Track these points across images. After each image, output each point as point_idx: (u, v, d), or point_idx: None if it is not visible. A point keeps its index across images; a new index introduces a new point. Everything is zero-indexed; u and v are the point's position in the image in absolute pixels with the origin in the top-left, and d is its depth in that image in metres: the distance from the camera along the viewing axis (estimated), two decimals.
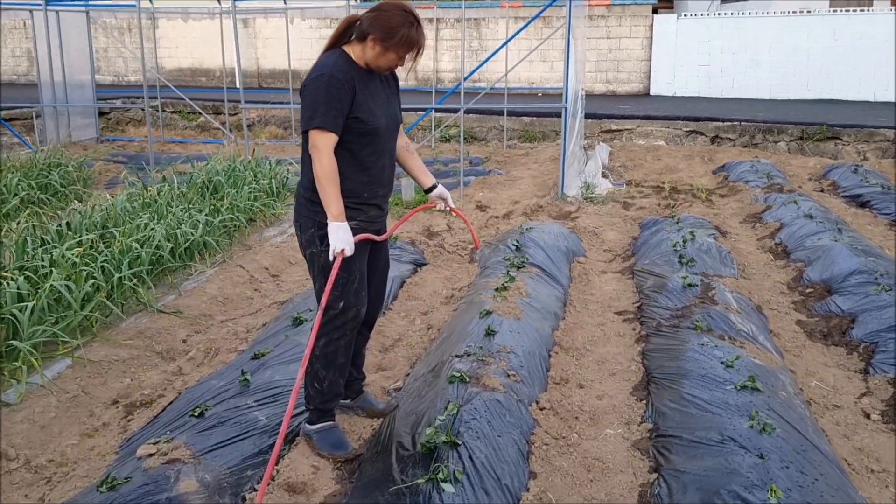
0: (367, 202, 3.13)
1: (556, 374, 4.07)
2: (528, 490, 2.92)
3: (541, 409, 3.60)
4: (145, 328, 4.67)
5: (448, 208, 3.50)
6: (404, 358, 4.42)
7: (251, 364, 3.98)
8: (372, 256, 3.35)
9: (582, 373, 4.21)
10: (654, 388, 3.85)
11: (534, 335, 4.35)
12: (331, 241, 2.92)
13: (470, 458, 2.92)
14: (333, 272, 2.89)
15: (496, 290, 4.91)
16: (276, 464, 3.20)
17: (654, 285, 5.40)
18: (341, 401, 3.64)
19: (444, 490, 2.69)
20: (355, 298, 3.14)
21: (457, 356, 3.91)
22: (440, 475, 2.75)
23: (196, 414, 3.40)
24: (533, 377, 3.87)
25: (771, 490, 2.67)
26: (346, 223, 2.95)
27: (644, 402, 3.80)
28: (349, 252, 2.94)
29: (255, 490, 3.01)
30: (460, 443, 2.98)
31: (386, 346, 4.59)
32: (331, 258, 2.93)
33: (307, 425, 3.37)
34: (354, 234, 3.02)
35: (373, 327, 3.66)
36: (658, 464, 3.19)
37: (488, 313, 4.44)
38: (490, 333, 4.17)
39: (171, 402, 3.74)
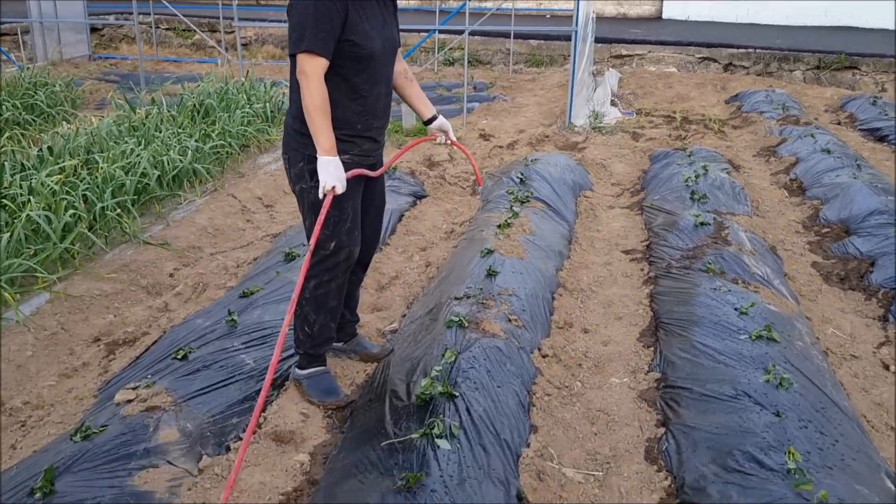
0: (360, 134, 2.86)
1: (560, 317, 3.87)
2: (528, 445, 2.76)
3: (543, 357, 3.41)
4: (130, 261, 4.46)
5: (448, 142, 3.22)
6: (401, 297, 4.22)
7: (239, 303, 3.77)
8: (366, 193, 3.09)
9: (587, 316, 4.01)
10: (663, 335, 3.66)
11: (537, 276, 4.14)
12: (320, 178, 2.67)
13: (468, 410, 2.75)
14: (323, 211, 2.64)
15: (498, 226, 4.67)
16: (263, 411, 3.04)
17: (664, 223, 5.15)
18: (333, 344, 3.46)
19: (439, 447, 2.51)
20: (348, 238, 2.91)
21: (455, 298, 3.70)
22: (436, 430, 2.57)
23: (179, 356, 3.22)
24: (535, 322, 3.67)
25: (789, 453, 2.50)
26: (337, 158, 2.69)
27: (652, 349, 3.61)
28: (340, 189, 2.69)
29: (241, 439, 2.85)
30: (457, 394, 2.80)
31: (382, 284, 4.39)
32: (320, 196, 2.69)
33: (297, 370, 3.19)
34: (347, 170, 2.77)
35: (367, 267, 3.44)
36: (666, 417, 3.02)
37: (489, 252, 4.21)
38: (491, 274, 3.95)
39: (154, 342, 3.56)
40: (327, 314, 3.07)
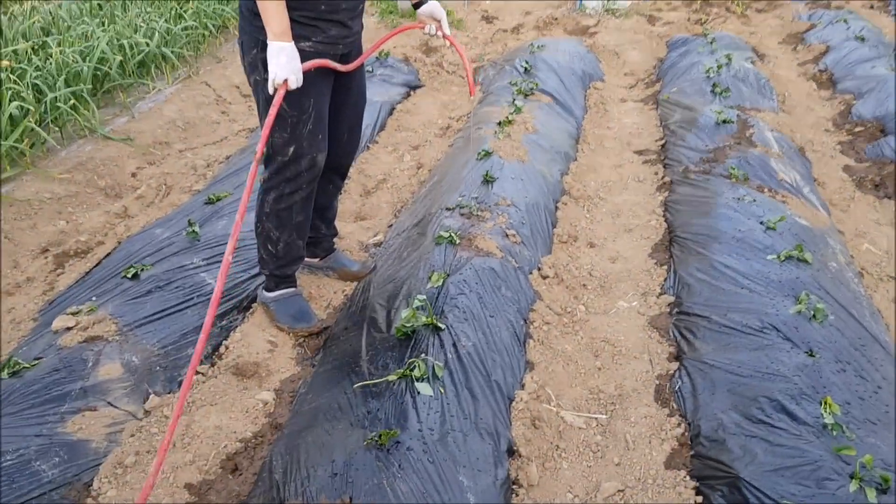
0: (325, 17, 2.34)
1: (564, 230, 3.46)
2: (523, 387, 2.41)
3: (543, 278, 3.03)
4: (88, 158, 4.00)
5: (440, 33, 2.70)
6: (388, 204, 3.80)
7: (204, 210, 3.36)
8: (340, 90, 2.62)
9: (594, 228, 3.60)
10: (678, 251, 3.26)
11: (539, 183, 3.70)
12: (269, 69, 2.19)
13: (454, 346, 2.38)
14: (273, 109, 2.18)
15: (499, 124, 4.18)
16: (226, 338, 2.69)
17: (681, 120, 4.65)
18: (309, 260, 3.08)
19: (419, 392, 2.16)
20: (310, 144, 2.46)
21: (447, 209, 3.28)
22: (416, 372, 2.22)
23: (130, 275, 2.83)
24: (536, 236, 3.26)
25: (825, 403, 2.14)
26: (290, 44, 2.20)
27: (665, 267, 3.22)
28: (294, 83, 2.21)
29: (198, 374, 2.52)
30: (444, 327, 2.43)
31: (368, 188, 3.95)
32: (269, 90, 2.22)
33: (264, 293, 2.82)
34: (307, 59, 2.29)
35: (346, 175, 3.00)
36: (680, 350, 2.67)
37: (487, 154, 3.75)
38: (489, 181, 3.51)
39: (107, 255, 3.17)
40: (293, 231, 2.67)
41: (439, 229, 3.09)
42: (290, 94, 2.24)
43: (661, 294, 3.03)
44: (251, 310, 2.85)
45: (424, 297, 2.53)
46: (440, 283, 2.68)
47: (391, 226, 3.58)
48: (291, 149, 2.44)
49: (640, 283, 3.13)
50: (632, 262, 3.30)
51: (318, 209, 2.94)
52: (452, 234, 2.98)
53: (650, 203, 3.84)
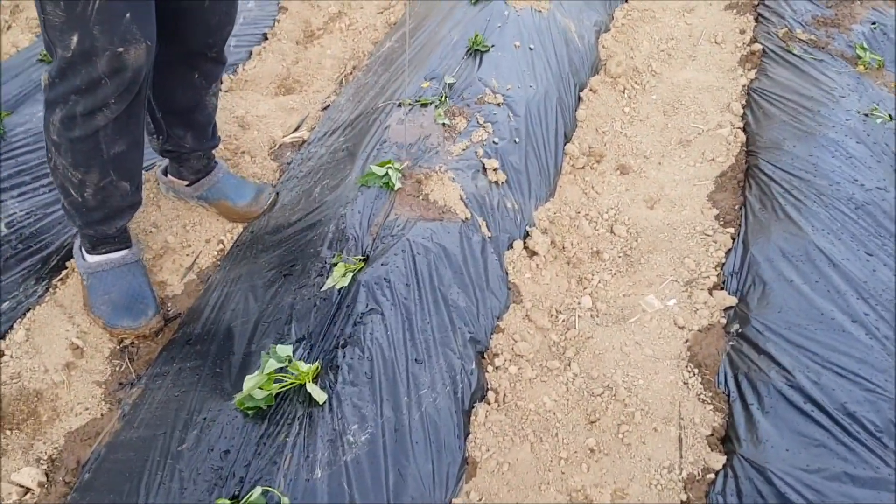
0: None
1: (584, 141, 2.26)
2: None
3: (530, 255, 1.90)
4: None
5: None
6: (334, 64, 2.57)
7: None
8: None
9: (632, 133, 2.36)
10: (756, 203, 2.06)
11: (560, 52, 2.40)
12: None
13: (338, 442, 1.36)
14: None
15: None
16: (10, 328, 1.70)
17: None
18: (173, 181, 1.99)
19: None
20: (107, 30, 1.36)
21: (399, 105, 2.08)
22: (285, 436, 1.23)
23: None
24: (532, 165, 2.07)
25: None
26: None
27: (731, 230, 2.05)
28: None
29: None
30: (324, 399, 1.39)
31: (311, 30, 2.69)
32: None
33: (81, 254, 1.77)
34: None
35: (221, 57, 1.79)
36: (732, 428, 1.61)
37: None
38: (477, 50, 2.26)
39: None
40: (106, 169, 1.57)
41: (376, 151, 1.93)
42: None
43: (716, 286, 1.90)
44: (62, 275, 1.82)
45: (302, 333, 1.46)
46: (346, 284, 1.59)
47: (326, 108, 2.39)
48: (74, 37, 1.30)
49: (688, 258, 1.98)
50: (680, 211, 2.12)
51: (178, 111, 1.81)
52: (392, 170, 1.82)
53: (726, 88, 2.54)
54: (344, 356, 1.46)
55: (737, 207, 2.11)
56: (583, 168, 2.19)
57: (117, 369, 1.67)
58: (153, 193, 2.04)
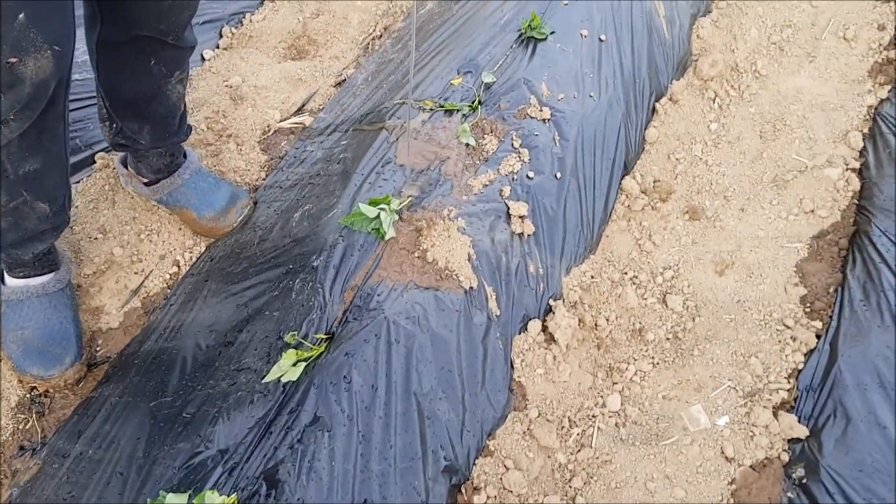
0: None
1: (647, 169, 1.79)
2: None
3: (547, 342, 1.48)
4: None
5: None
6: (359, 25, 2.11)
7: None
8: None
9: (713, 161, 1.87)
10: (857, 289, 1.59)
11: (638, 45, 1.89)
12: None
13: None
14: None
15: None
16: None
17: None
18: (141, 186, 1.64)
19: None
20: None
21: (421, 108, 1.64)
22: None
23: None
24: (570, 210, 1.62)
25: None
26: None
27: (819, 321, 1.59)
28: None
29: None
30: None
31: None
32: None
33: (2, 279, 1.45)
34: None
35: (183, 45, 1.39)
36: None
37: None
38: (531, 38, 1.77)
39: None
40: (17, 188, 1.27)
41: (375, 175, 1.52)
42: None
43: (785, 403, 1.47)
44: None
45: (227, 441, 1.12)
46: (294, 378, 1.23)
47: (341, 83, 1.96)
48: None
49: (755, 357, 1.54)
50: (758, 282, 1.66)
51: (130, 102, 1.44)
52: (386, 212, 1.41)
53: (847, 108, 2.00)
54: (268, 492, 1.12)
55: (832, 290, 1.64)
56: (641, 210, 1.73)
57: (21, 426, 1.38)
58: (109, 185, 1.69)
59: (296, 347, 1.26)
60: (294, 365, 1.24)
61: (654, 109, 1.88)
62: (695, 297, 1.63)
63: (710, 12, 2.15)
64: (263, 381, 1.24)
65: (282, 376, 1.23)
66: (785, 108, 2.01)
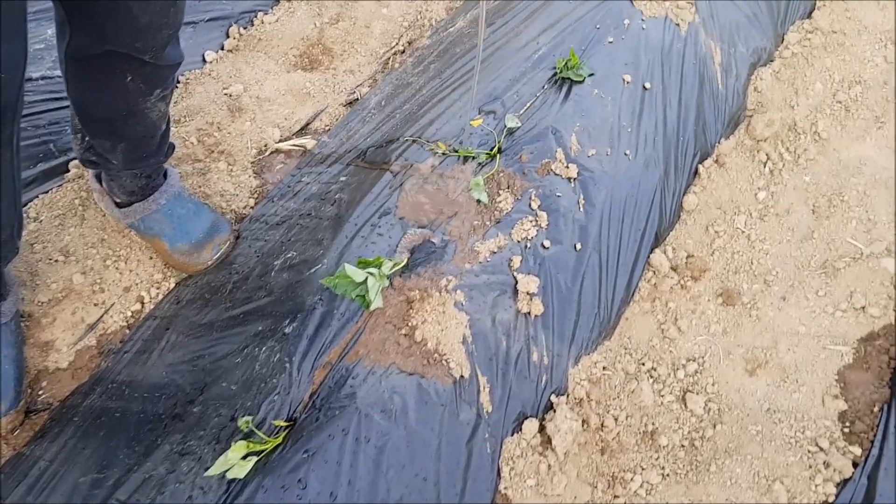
0: None
1: (679, 241, 1.58)
2: None
3: (544, 447, 1.29)
4: None
5: None
6: (381, 36, 1.92)
7: None
8: None
9: (755, 239, 1.66)
10: None
11: (686, 97, 1.67)
12: None
13: None
14: None
15: None
16: None
17: None
18: (112, 208, 1.47)
19: None
20: None
21: (433, 150, 1.45)
22: None
23: None
24: (588, 289, 1.42)
25: None
26: None
27: (858, 445, 1.39)
28: None
29: None
30: None
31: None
32: None
33: None
34: None
35: (164, 63, 1.21)
36: None
37: None
38: (569, 79, 1.57)
39: None
40: None
41: (370, 227, 1.33)
42: None
43: None
44: None
45: None
46: (241, 476, 1.06)
47: (352, 102, 1.77)
48: None
49: (780, 482, 1.34)
50: (792, 389, 1.46)
51: (101, 119, 1.27)
52: (375, 277, 1.22)
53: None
54: None
55: (876, 408, 1.43)
56: (668, 290, 1.53)
57: None
58: (80, 199, 1.52)
59: (247, 437, 1.09)
60: (244, 458, 1.07)
61: (696, 172, 1.67)
62: (719, 399, 1.43)
63: (772, 61, 1.92)
64: (206, 475, 1.06)
65: (227, 471, 1.06)
66: (844, 180, 1.78)
